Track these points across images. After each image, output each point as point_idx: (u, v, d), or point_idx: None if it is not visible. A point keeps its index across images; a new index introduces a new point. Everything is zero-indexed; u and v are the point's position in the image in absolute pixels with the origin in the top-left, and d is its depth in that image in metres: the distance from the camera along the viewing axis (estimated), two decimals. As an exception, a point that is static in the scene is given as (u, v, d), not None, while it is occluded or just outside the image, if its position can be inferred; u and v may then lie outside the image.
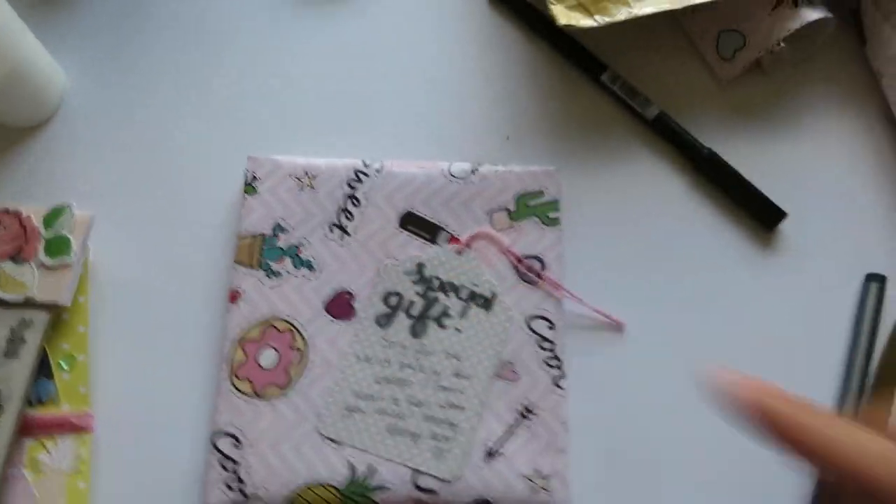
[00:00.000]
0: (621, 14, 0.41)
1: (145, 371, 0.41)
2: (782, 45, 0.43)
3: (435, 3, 0.49)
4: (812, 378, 0.41)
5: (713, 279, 0.43)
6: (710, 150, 0.44)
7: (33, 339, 0.39)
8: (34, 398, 0.39)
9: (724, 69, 0.45)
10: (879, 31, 0.45)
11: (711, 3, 0.42)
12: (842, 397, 0.40)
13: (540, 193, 0.43)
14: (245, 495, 0.38)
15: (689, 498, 0.39)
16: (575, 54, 0.46)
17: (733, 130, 0.46)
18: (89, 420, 0.39)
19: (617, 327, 0.42)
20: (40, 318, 0.39)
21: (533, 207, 0.43)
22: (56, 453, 0.38)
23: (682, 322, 0.42)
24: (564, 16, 0.41)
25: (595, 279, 0.43)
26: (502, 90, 0.46)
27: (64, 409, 0.39)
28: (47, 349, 0.40)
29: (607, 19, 0.41)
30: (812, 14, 0.42)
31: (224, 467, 0.38)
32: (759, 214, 0.43)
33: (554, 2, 0.41)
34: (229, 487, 0.38)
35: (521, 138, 0.46)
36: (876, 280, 0.42)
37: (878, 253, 0.43)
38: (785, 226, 0.43)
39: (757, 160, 0.45)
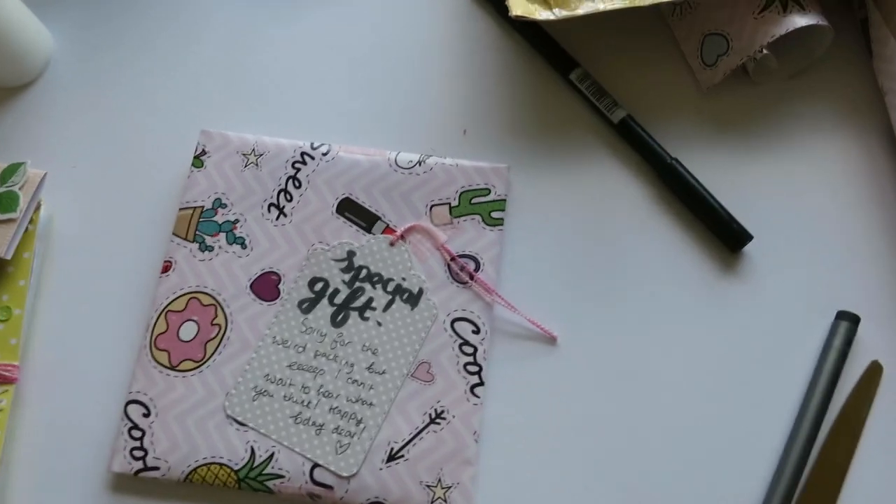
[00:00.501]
0: (582, 8, 0.38)
1: (77, 330, 0.41)
2: (765, 51, 0.40)
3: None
4: (760, 420, 0.37)
5: (664, 300, 0.39)
6: (674, 159, 0.41)
7: (-28, 288, 0.40)
8: (-33, 345, 0.40)
9: (706, 75, 0.42)
10: (885, 46, 0.40)
11: (689, 2, 0.39)
12: (788, 445, 0.36)
13: (486, 191, 0.41)
14: (146, 465, 0.38)
15: (600, 530, 0.36)
16: (546, 50, 0.44)
17: (710, 142, 0.42)
18: (14, 372, 0.40)
19: (549, 340, 0.39)
20: (-19, 270, 0.40)
21: (476, 205, 0.41)
22: (-22, 400, 0.39)
23: (621, 342, 0.39)
24: (519, 6, 0.39)
25: (535, 287, 0.40)
26: (468, 83, 0.45)
27: (-7, 359, 0.40)
28: (-8, 297, 0.41)
29: (566, 13, 0.38)
30: (800, 21, 0.39)
31: (131, 435, 0.38)
32: (722, 234, 0.40)
33: (513, -8, 0.39)
34: (133, 456, 0.38)
35: (479, 133, 0.44)
36: (847, 319, 0.38)
37: (853, 290, 0.39)
38: (751, 249, 0.40)
39: (731, 176, 0.41)
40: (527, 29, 0.44)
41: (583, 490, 0.37)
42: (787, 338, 0.38)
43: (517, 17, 0.38)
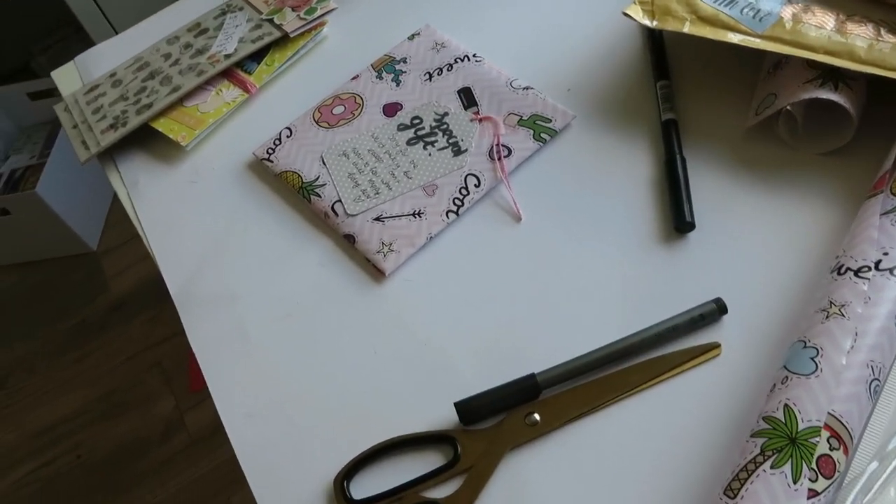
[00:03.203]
0: (669, 26, 0.52)
1: (297, 90, 0.67)
2: (789, 108, 0.48)
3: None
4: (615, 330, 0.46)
5: (610, 237, 0.50)
6: (683, 158, 0.51)
7: (267, 40, 0.69)
8: (246, 68, 0.68)
9: (749, 118, 0.52)
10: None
11: (781, 63, 0.50)
12: (603, 347, 0.44)
13: (548, 120, 0.56)
14: (268, 157, 0.61)
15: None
16: (656, 57, 0.57)
17: (725, 165, 0.51)
18: (252, 89, 0.67)
19: (516, 218, 0.53)
20: (277, 35, 0.69)
21: (536, 125, 0.56)
22: (227, 92, 0.67)
23: (560, 245, 0.51)
24: (632, 10, 0.54)
25: (532, 187, 0.54)
26: (593, 65, 0.60)
27: (249, 78, 0.68)
28: (275, 51, 0.69)
29: (657, 23, 0.52)
30: (821, 93, 0.47)
31: (274, 143, 0.62)
32: (677, 216, 0.49)
33: (637, 0, 0.54)
34: (267, 152, 0.61)
35: (578, 93, 0.59)
36: (717, 304, 0.44)
37: (743, 306, 0.45)
38: (692, 238, 0.48)
39: (720, 193, 0.50)
40: (652, 39, 0.58)
41: (474, 312, 0.49)
42: (676, 301, 0.46)
43: (625, 13, 0.53)
